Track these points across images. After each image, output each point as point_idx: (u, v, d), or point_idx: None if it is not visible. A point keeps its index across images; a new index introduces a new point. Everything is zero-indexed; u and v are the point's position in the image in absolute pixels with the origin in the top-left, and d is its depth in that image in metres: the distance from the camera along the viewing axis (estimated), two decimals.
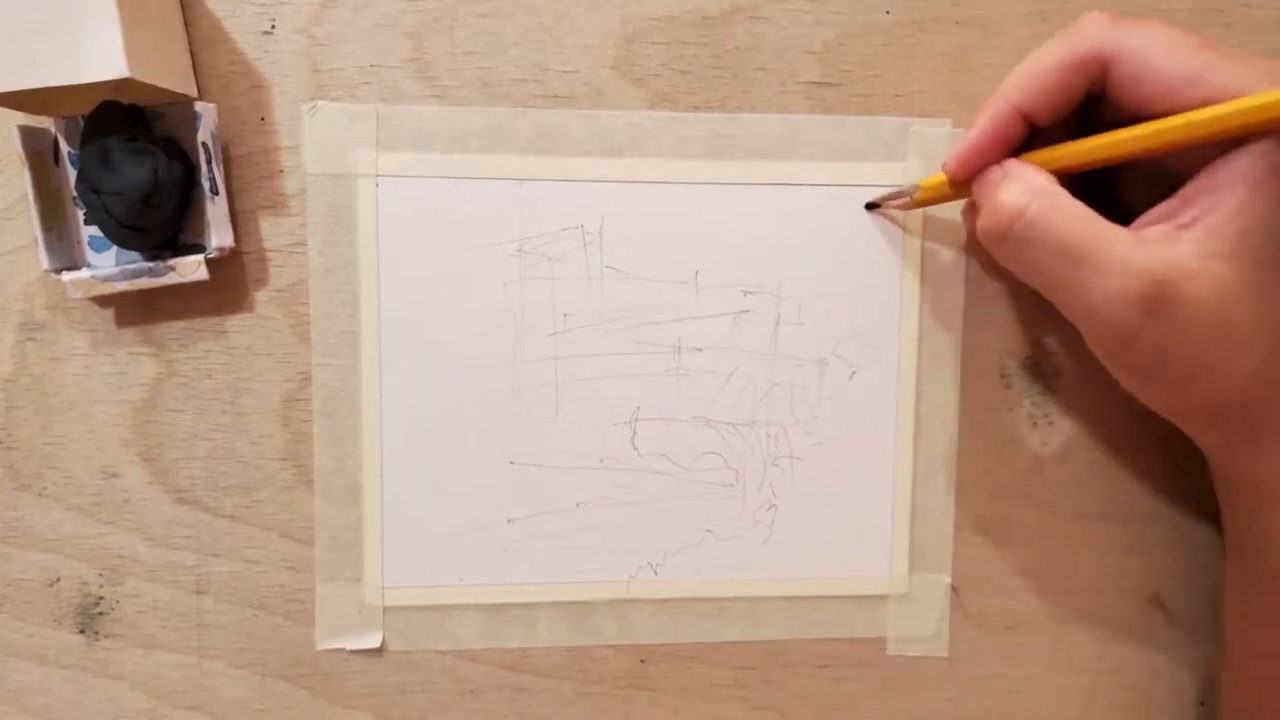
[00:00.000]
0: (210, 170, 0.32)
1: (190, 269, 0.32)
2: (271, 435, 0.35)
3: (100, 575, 0.35)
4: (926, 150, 0.35)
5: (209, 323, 0.34)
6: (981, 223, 0.29)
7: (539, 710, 0.36)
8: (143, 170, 0.31)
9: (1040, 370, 0.36)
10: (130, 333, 0.34)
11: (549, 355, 0.35)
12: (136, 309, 0.34)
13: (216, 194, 0.32)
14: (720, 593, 0.36)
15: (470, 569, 0.35)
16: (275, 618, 0.35)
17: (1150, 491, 0.37)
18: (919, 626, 0.37)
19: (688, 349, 0.35)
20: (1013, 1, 0.35)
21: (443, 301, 0.34)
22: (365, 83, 0.34)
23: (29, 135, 0.32)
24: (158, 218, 0.31)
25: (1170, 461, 0.37)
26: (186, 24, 0.33)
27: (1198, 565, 0.37)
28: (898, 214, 0.35)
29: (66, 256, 0.33)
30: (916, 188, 0.33)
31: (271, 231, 0.34)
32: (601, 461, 0.35)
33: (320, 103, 0.34)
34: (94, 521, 0.34)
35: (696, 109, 0.35)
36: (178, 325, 0.34)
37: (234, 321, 0.34)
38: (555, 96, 0.34)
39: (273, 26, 0.33)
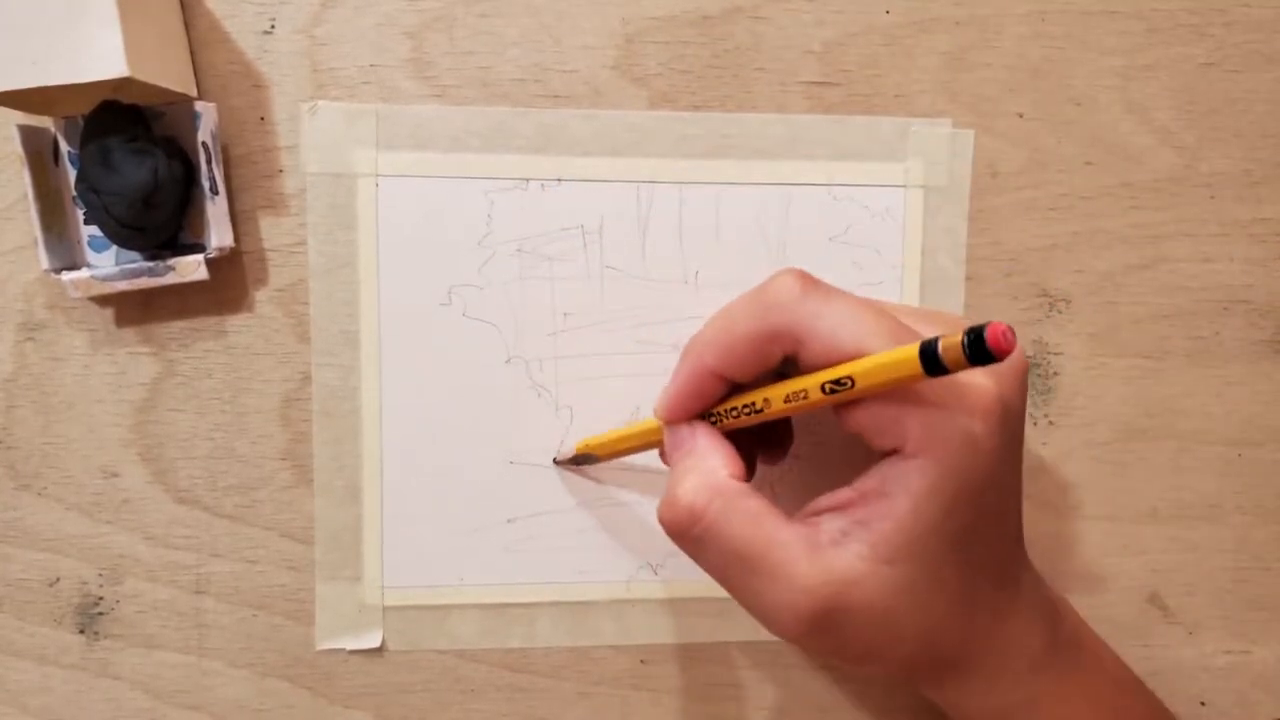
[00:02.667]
0: (210, 170, 0.32)
1: (190, 269, 0.32)
2: (271, 435, 0.35)
3: (100, 575, 0.35)
4: (926, 150, 0.35)
5: (209, 323, 0.34)
6: (661, 513, 0.28)
7: (539, 710, 0.36)
8: (143, 170, 0.31)
9: (1040, 370, 0.36)
10: (130, 333, 0.34)
11: (549, 355, 0.35)
12: (136, 309, 0.34)
13: (216, 194, 0.32)
14: (720, 593, 0.36)
15: (470, 569, 0.35)
16: (275, 618, 0.35)
17: (1150, 491, 0.37)
18: None
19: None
20: (1013, 1, 0.35)
21: (442, 301, 0.34)
22: (365, 82, 0.34)
23: (29, 135, 0.32)
24: (158, 218, 0.31)
25: (1170, 462, 0.37)
26: (186, 24, 0.33)
27: (1198, 565, 0.38)
28: (897, 215, 0.35)
29: (66, 256, 0.33)
30: (592, 456, 0.34)
31: (271, 231, 0.34)
32: None
33: (320, 102, 0.34)
34: (94, 521, 0.34)
35: (696, 109, 0.35)
36: (178, 325, 0.34)
37: (234, 321, 0.34)
38: (555, 96, 0.34)
39: (272, 26, 0.33)
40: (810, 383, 0.27)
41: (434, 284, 0.34)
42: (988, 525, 0.28)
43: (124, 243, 0.32)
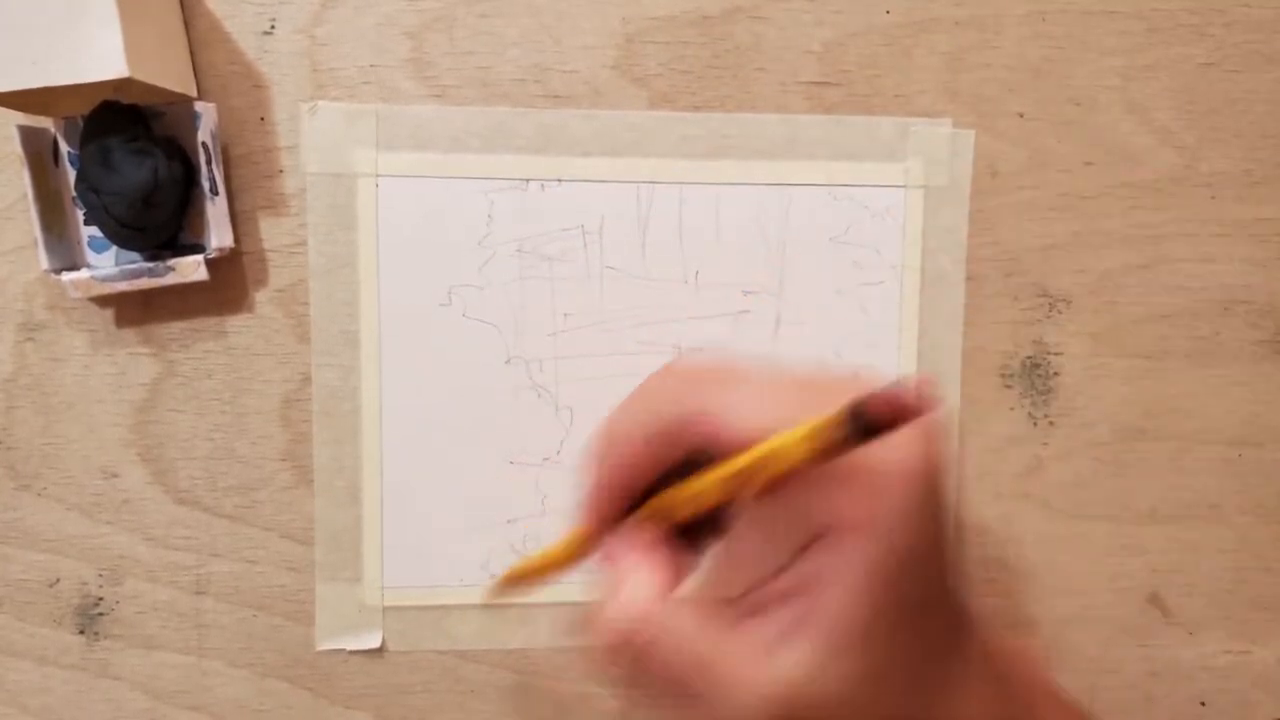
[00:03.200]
0: (210, 170, 0.32)
1: (190, 269, 0.32)
2: (271, 435, 0.35)
3: (100, 575, 0.35)
4: (926, 150, 0.35)
5: (209, 323, 0.34)
6: (598, 637, 0.26)
7: (539, 710, 0.36)
8: (142, 170, 0.31)
9: (1040, 370, 0.36)
10: (130, 333, 0.34)
11: (549, 355, 0.35)
12: (136, 309, 0.34)
13: (216, 194, 0.32)
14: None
15: (470, 569, 0.35)
16: (275, 618, 0.35)
17: (1150, 491, 0.37)
18: None
19: (688, 349, 0.35)
20: (1013, 1, 0.35)
21: (442, 301, 0.34)
22: (365, 83, 0.34)
23: (28, 136, 0.32)
24: (157, 217, 0.31)
25: (1171, 462, 0.37)
26: (186, 24, 0.33)
27: (1198, 565, 0.37)
28: (897, 215, 0.35)
29: (66, 257, 0.33)
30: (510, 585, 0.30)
31: (271, 231, 0.34)
32: None
33: (320, 102, 0.34)
34: (94, 521, 0.34)
35: (697, 109, 0.35)
36: (178, 325, 0.34)
37: (234, 321, 0.34)
38: (555, 96, 0.34)
39: (272, 26, 0.33)
40: (708, 482, 0.25)
41: (434, 284, 0.34)
42: (934, 594, 0.27)
43: (124, 243, 0.32)
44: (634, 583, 0.26)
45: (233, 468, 0.34)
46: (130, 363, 0.34)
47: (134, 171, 0.31)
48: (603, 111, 0.34)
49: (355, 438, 0.34)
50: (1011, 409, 0.36)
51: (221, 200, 0.32)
